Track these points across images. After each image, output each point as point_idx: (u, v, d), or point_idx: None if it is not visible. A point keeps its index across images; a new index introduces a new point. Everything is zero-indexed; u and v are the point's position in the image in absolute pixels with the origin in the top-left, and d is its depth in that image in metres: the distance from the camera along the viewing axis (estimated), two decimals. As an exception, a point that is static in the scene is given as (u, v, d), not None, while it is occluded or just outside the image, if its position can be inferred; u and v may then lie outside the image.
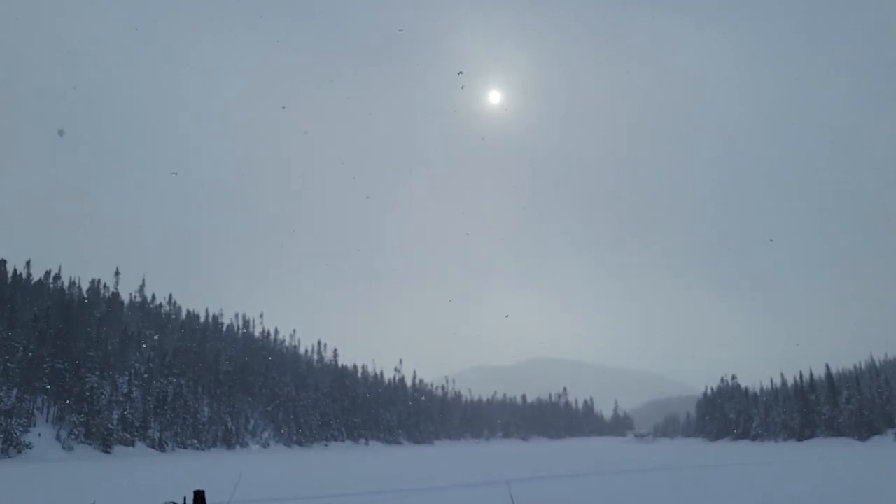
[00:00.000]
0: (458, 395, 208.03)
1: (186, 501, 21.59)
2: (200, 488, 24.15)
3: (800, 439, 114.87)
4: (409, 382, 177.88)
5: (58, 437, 77.34)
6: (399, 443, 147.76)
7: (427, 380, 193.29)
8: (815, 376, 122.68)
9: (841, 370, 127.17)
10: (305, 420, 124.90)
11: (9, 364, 77.32)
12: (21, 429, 69.76)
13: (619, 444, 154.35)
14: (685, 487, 29.34)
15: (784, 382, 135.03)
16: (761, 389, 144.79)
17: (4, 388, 74.36)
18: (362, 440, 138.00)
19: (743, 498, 24.39)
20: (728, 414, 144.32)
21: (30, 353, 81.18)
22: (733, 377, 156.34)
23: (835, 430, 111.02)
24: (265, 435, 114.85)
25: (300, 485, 33.56)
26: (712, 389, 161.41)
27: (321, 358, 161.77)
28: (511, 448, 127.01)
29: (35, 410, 79.01)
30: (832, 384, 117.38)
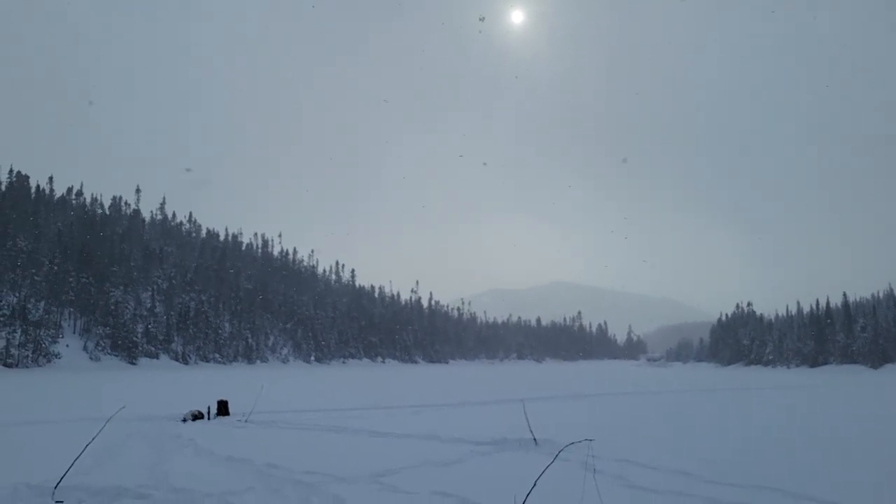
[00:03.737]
0: (473, 317, 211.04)
1: (211, 410, 22.50)
2: (224, 398, 25.03)
3: (812, 366, 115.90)
4: (425, 303, 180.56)
5: (85, 348, 79.73)
6: (415, 361, 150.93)
7: (443, 302, 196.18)
8: (832, 305, 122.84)
9: (859, 299, 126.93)
10: (324, 338, 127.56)
11: (35, 277, 79.09)
12: (49, 339, 71.98)
13: (631, 367, 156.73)
14: (695, 407, 29.89)
15: (800, 310, 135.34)
16: (776, 317, 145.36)
17: (32, 300, 76.32)
18: (379, 358, 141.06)
19: (762, 418, 24.84)
20: (742, 340, 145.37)
21: (55, 267, 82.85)
22: (749, 304, 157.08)
23: (848, 358, 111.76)
24: (284, 351, 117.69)
25: (319, 398, 34.50)
26: (727, 316, 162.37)
27: (339, 278, 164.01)
28: (525, 369, 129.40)
29: (62, 322, 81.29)
30: (848, 312, 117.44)
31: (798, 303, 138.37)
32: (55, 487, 9.91)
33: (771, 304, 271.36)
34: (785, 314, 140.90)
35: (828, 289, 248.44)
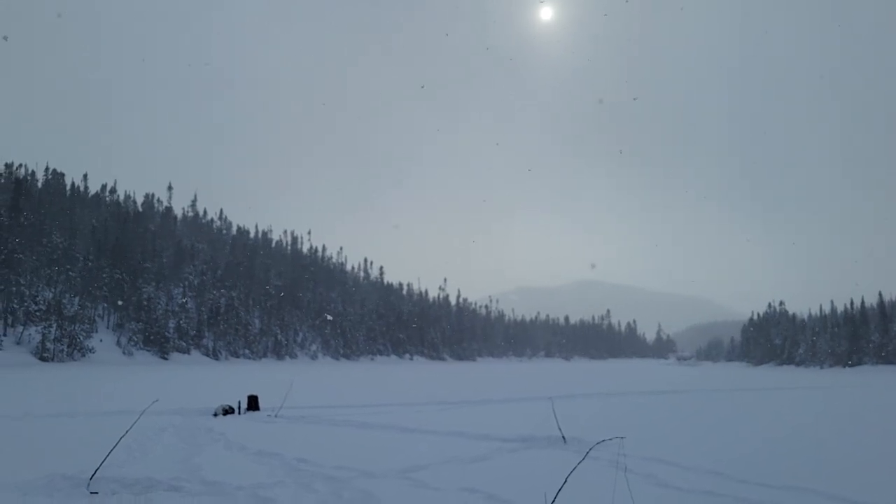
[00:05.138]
0: (501, 315, 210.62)
1: (241, 405, 22.73)
2: (254, 394, 25.27)
3: (846, 366, 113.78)
4: (452, 301, 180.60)
5: (118, 343, 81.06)
6: (443, 359, 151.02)
7: (471, 299, 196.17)
8: (867, 304, 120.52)
9: (894, 298, 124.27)
10: (352, 334, 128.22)
11: (70, 273, 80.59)
12: (84, 334, 73.22)
13: (661, 365, 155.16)
14: (726, 406, 29.51)
15: (833, 309, 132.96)
16: (809, 316, 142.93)
17: (67, 295, 77.79)
18: (407, 355, 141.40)
19: (790, 417, 24.45)
20: (773, 339, 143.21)
21: (89, 263, 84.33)
22: (781, 303, 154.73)
23: (882, 359, 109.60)
24: (313, 347, 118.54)
25: (347, 394, 34.68)
26: (759, 315, 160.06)
27: (367, 275, 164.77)
28: (553, 366, 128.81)
29: (96, 317, 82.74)
30: (884, 312, 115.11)
31: (832, 302, 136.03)
32: (90, 478, 10.08)
33: (803, 303, 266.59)
34: (818, 313, 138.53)
35: (862, 288, 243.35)
